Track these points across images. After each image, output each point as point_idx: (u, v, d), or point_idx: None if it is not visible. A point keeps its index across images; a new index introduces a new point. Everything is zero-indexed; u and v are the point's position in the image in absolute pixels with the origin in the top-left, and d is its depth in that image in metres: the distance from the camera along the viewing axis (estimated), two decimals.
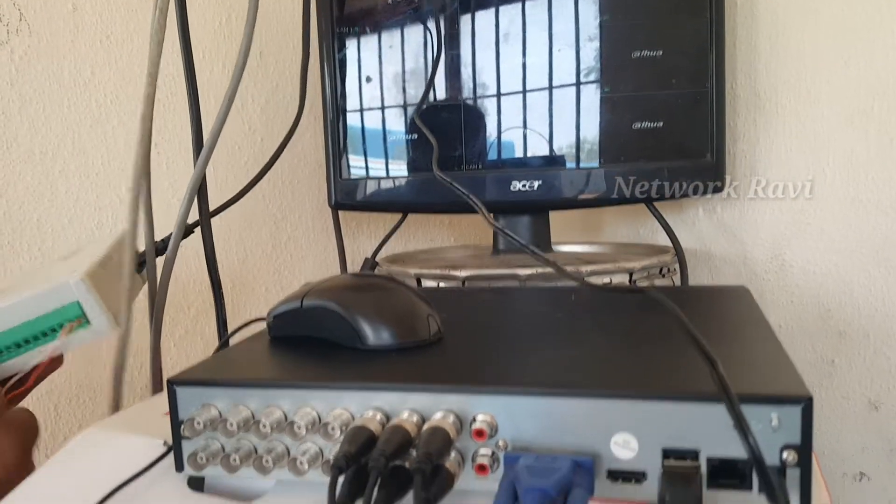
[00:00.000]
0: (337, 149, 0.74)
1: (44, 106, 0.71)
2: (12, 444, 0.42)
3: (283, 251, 0.85)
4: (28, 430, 0.44)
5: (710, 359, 0.28)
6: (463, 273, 0.66)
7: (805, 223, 0.73)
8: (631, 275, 0.65)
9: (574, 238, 0.83)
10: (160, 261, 0.52)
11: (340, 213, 0.80)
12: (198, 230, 0.54)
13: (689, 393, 0.31)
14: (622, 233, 0.80)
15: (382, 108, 0.73)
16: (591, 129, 0.69)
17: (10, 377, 0.44)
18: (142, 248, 0.53)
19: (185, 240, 0.52)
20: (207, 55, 0.78)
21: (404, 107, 0.73)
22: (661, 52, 0.68)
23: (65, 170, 0.72)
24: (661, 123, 0.68)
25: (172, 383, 0.37)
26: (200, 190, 0.49)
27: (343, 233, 0.80)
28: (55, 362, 0.45)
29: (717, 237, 0.75)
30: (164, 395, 0.51)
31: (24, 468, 0.43)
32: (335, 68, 0.74)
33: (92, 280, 0.43)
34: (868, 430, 0.68)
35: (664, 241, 0.76)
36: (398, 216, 0.83)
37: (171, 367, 0.66)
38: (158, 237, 0.53)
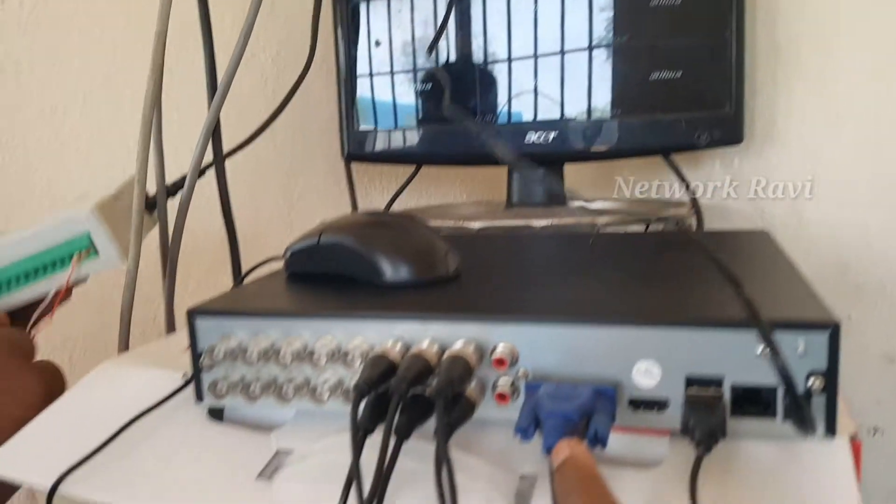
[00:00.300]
0: (350, 99, 0.73)
1: (53, 62, 0.70)
2: (39, 386, 0.43)
3: (294, 206, 0.85)
4: (56, 379, 0.44)
5: (735, 280, 0.28)
6: (477, 224, 0.66)
7: (823, 177, 0.72)
8: (647, 226, 0.65)
9: (588, 195, 0.82)
10: (173, 203, 0.52)
11: (353, 166, 0.79)
12: (211, 173, 0.54)
13: (713, 319, 0.31)
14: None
15: (393, 58, 0.72)
16: (608, 80, 0.68)
17: (32, 311, 0.44)
18: (153, 191, 0.52)
19: (197, 193, 0.52)
20: (218, 6, 0.77)
21: (413, 57, 0.72)
22: (679, 0, 0.66)
23: (75, 128, 0.71)
24: (679, 73, 0.67)
25: (192, 314, 0.37)
26: (215, 133, 0.49)
27: (355, 187, 0.80)
28: (63, 295, 0.45)
29: (733, 191, 0.75)
30: (177, 336, 0.51)
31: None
32: (347, 16, 0.73)
33: (102, 212, 0.43)
34: (883, 384, 0.68)
35: (678, 199, 0.75)
36: (410, 172, 0.82)
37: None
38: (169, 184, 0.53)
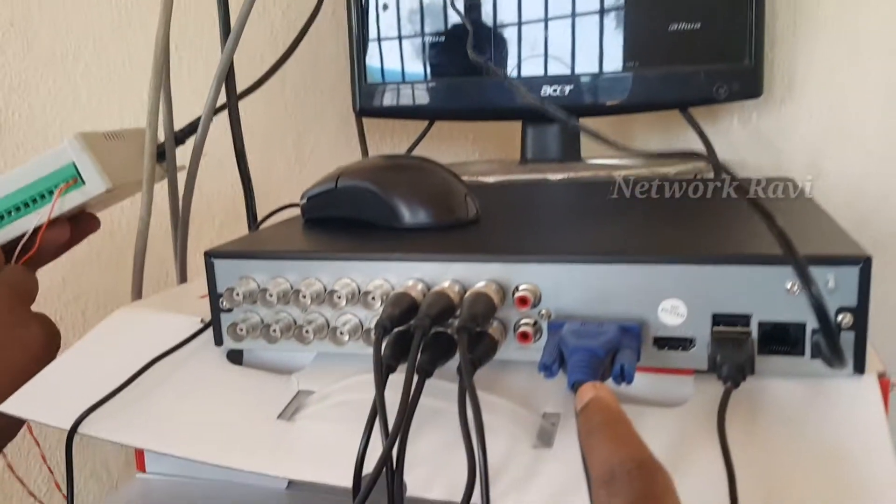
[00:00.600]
0: (361, 52, 0.72)
1: (64, 5, 0.69)
2: (43, 337, 0.42)
3: (306, 163, 0.84)
4: (55, 331, 0.44)
5: (767, 213, 0.27)
6: (491, 179, 0.65)
7: (843, 130, 0.71)
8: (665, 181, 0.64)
9: (603, 152, 0.81)
10: (185, 152, 0.51)
11: (364, 123, 0.78)
12: (222, 124, 0.53)
13: (741, 256, 0.30)
14: (654, 145, 0.78)
15: (405, 11, 0.71)
16: (626, 31, 0.66)
17: (17, 245, 0.44)
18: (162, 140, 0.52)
19: (208, 151, 0.51)
20: None
21: (424, 10, 0.70)
22: None
23: (87, 72, 0.71)
24: (698, 25, 0.66)
25: (210, 256, 0.36)
26: (228, 76, 0.48)
27: (367, 144, 0.79)
28: (60, 231, 0.45)
29: (753, 145, 0.73)
30: (190, 285, 0.51)
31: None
32: None
33: (87, 140, 0.43)
34: None
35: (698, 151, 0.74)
36: (421, 128, 0.81)
37: (197, 274, 0.66)
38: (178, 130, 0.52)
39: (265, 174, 0.81)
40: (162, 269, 0.77)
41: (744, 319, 0.31)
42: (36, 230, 0.44)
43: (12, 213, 0.44)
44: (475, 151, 0.89)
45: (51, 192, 0.44)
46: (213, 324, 0.37)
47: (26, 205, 0.44)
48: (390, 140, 0.86)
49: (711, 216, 0.38)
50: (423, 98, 0.71)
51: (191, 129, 0.50)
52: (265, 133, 0.82)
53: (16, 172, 0.44)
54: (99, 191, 0.44)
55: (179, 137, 0.51)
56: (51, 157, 0.44)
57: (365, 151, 0.78)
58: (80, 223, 0.48)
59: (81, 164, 0.43)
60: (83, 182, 0.44)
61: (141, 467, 0.42)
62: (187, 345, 0.38)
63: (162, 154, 0.51)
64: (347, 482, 0.29)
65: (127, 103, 0.73)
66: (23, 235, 0.45)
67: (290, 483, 0.39)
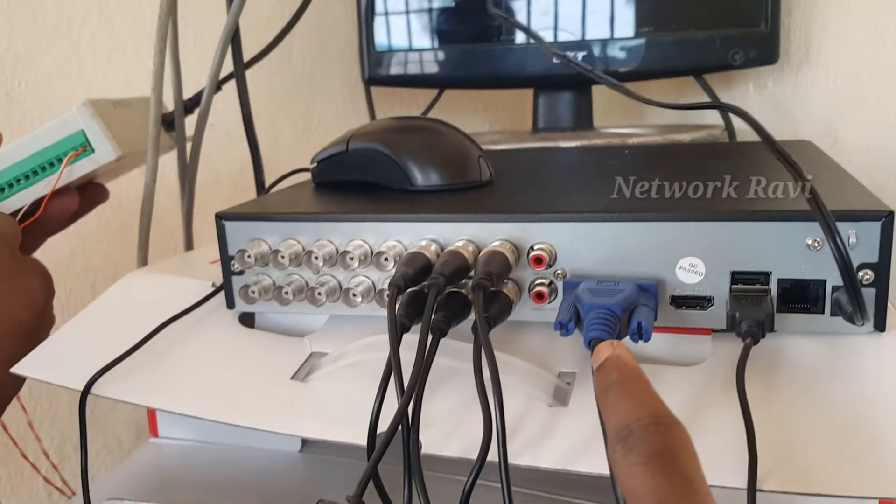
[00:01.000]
0: (369, 17, 0.71)
1: None
2: (43, 289, 0.42)
3: (314, 133, 0.84)
4: (49, 280, 0.44)
5: (793, 164, 0.27)
6: (503, 147, 0.64)
7: (860, 97, 0.70)
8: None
9: (615, 121, 0.80)
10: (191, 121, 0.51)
11: (373, 92, 0.77)
12: (229, 93, 0.52)
13: (761, 212, 0.30)
14: (667, 114, 0.77)
15: None
16: None
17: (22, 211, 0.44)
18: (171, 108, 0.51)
19: (214, 123, 0.50)
20: None
21: None
22: None
23: (92, 42, 0.70)
24: None
25: (221, 218, 0.36)
26: (234, 42, 0.47)
27: (375, 114, 0.78)
28: (69, 200, 0.45)
29: (768, 113, 0.72)
30: (196, 252, 0.51)
31: (47, 316, 0.43)
32: None
33: (96, 107, 0.43)
34: None
35: (710, 122, 0.73)
36: (430, 98, 0.80)
37: (204, 244, 0.66)
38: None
39: (273, 144, 0.81)
40: (171, 242, 0.76)
41: (763, 277, 0.30)
42: (41, 197, 0.44)
43: (21, 182, 0.44)
44: (486, 122, 0.88)
45: (60, 160, 0.43)
46: (225, 286, 0.37)
47: (35, 173, 0.44)
48: (398, 110, 0.85)
49: (729, 174, 0.37)
50: (433, 66, 0.70)
51: (199, 98, 0.50)
52: (272, 103, 0.81)
53: (24, 140, 0.43)
54: (108, 159, 0.43)
55: (188, 107, 0.50)
56: (59, 124, 0.43)
57: (373, 119, 0.77)
58: (88, 193, 0.48)
59: (91, 132, 0.43)
60: (92, 150, 0.43)
61: (154, 432, 0.42)
62: (199, 308, 0.38)
63: (171, 123, 0.50)
64: (362, 440, 0.29)
65: (133, 73, 0.72)
66: (31, 206, 0.44)
67: (304, 445, 0.39)
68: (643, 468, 0.19)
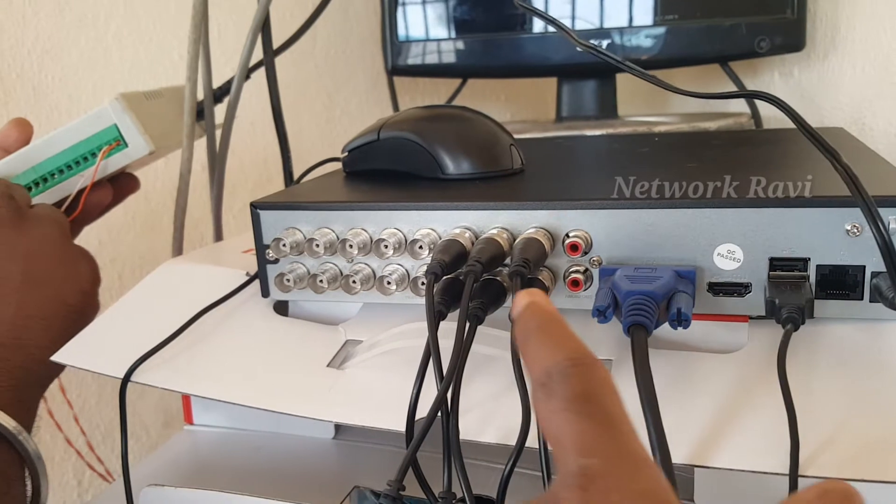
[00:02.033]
0: (393, 7, 0.71)
1: None
2: (92, 274, 0.43)
3: (336, 125, 0.84)
4: (97, 265, 0.45)
5: (831, 150, 0.27)
6: (527, 136, 0.64)
7: (888, 84, 0.69)
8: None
9: (640, 109, 0.79)
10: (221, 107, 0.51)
11: (395, 84, 0.77)
12: (255, 82, 0.53)
13: (800, 199, 0.30)
14: (691, 103, 0.77)
15: None
16: None
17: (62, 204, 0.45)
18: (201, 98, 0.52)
19: (239, 114, 0.51)
20: None
21: None
22: None
23: (118, 34, 0.71)
24: None
25: (256, 207, 0.36)
26: (264, 30, 0.47)
27: (399, 104, 0.78)
28: (103, 193, 0.46)
29: (794, 102, 0.71)
30: (227, 242, 0.51)
31: (94, 302, 0.43)
32: None
33: (128, 101, 0.43)
34: None
35: (736, 111, 0.73)
36: (452, 89, 0.80)
37: (230, 235, 0.67)
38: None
39: (295, 136, 0.80)
40: (196, 232, 0.77)
41: (801, 263, 0.30)
42: (80, 192, 0.44)
43: (55, 176, 0.44)
44: (508, 112, 0.88)
45: (94, 154, 0.44)
46: (260, 275, 0.37)
47: (69, 167, 0.44)
48: (420, 101, 0.85)
49: (764, 161, 0.37)
50: (456, 55, 0.70)
51: (228, 87, 0.50)
52: (295, 95, 0.81)
53: (58, 134, 0.44)
54: (141, 154, 0.44)
55: (217, 96, 0.51)
56: (93, 118, 0.44)
57: (396, 110, 0.77)
58: (120, 184, 0.49)
59: (124, 127, 0.43)
60: (126, 145, 0.44)
61: (188, 419, 0.43)
62: (233, 297, 0.38)
63: (200, 112, 0.51)
64: (400, 426, 0.29)
65: (158, 64, 0.73)
66: (66, 198, 0.45)
67: (337, 432, 0.40)
68: (564, 413, 0.19)
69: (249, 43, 0.46)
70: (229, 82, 0.49)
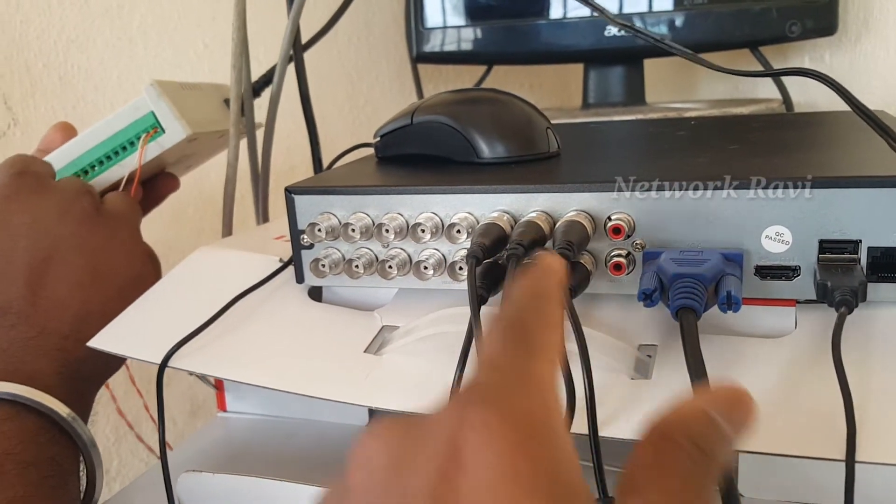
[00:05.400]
0: None
1: None
2: (152, 276, 0.43)
3: (360, 113, 0.84)
4: (159, 270, 0.45)
5: (885, 128, 0.26)
6: (556, 122, 0.63)
7: None
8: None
9: (668, 96, 0.78)
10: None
11: (420, 71, 0.77)
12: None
13: (851, 178, 0.29)
14: (720, 90, 0.76)
15: None
16: None
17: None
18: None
19: (265, 103, 0.51)
20: None
21: None
22: None
23: (143, 25, 0.71)
24: None
25: (290, 192, 0.36)
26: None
27: (423, 92, 0.78)
28: (171, 182, 0.47)
29: (825, 87, 0.70)
30: (267, 226, 0.51)
31: None
32: None
33: (163, 88, 0.44)
34: None
35: (766, 96, 0.71)
36: (476, 77, 0.80)
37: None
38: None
39: (319, 124, 0.81)
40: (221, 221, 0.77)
41: (852, 246, 0.29)
42: (130, 178, 0.45)
43: (96, 168, 0.45)
44: (532, 100, 0.87)
45: (132, 143, 0.44)
46: (294, 261, 0.37)
47: (108, 157, 0.45)
48: (445, 88, 0.84)
49: (808, 143, 0.36)
50: (481, 42, 0.69)
51: (265, 80, 0.50)
52: (318, 83, 0.81)
53: (96, 127, 0.44)
54: (179, 137, 0.44)
55: (256, 89, 0.51)
56: (131, 108, 0.44)
57: (420, 98, 0.77)
58: (159, 182, 0.49)
59: (160, 112, 0.44)
60: (163, 130, 0.44)
61: (222, 406, 0.43)
62: (268, 283, 0.38)
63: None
64: None
65: (183, 55, 0.73)
66: (108, 188, 0.45)
67: (371, 419, 0.39)
68: (492, 332, 0.19)
69: (289, 33, 0.46)
70: (267, 74, 0.49)
